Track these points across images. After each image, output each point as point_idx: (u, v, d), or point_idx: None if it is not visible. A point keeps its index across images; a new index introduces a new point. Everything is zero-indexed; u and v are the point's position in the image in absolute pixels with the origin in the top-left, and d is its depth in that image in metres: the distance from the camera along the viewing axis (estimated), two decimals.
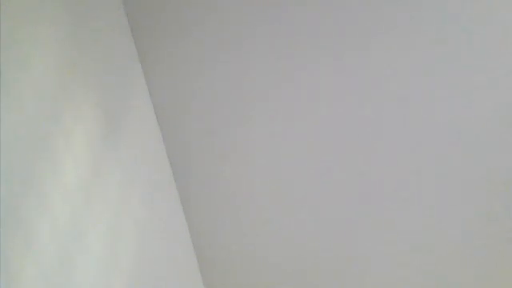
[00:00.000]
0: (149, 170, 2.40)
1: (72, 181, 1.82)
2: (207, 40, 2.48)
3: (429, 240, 2.51)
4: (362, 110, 2.44)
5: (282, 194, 2.56)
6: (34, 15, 1.84)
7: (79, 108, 1.97)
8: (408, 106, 2.41)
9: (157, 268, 2.26)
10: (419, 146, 2.44)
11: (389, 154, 2.46)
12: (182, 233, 2.59)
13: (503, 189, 2.42)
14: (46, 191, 1.67)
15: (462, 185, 2.44)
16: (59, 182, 1.75)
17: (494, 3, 2.29)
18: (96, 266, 1.83)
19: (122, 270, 1.99)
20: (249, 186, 2.57)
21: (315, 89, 2.46)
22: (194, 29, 2.48)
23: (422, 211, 2.49)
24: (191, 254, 2.63)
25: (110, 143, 2.13)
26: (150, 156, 2.44)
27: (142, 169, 2.34)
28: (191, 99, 2.54)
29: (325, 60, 2.42)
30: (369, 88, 2.42)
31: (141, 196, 2.28)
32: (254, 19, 2.44)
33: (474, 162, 2.42)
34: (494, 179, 2.42)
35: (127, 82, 2.39)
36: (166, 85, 2.54)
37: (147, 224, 2.28)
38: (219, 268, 2.67)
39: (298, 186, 2.54)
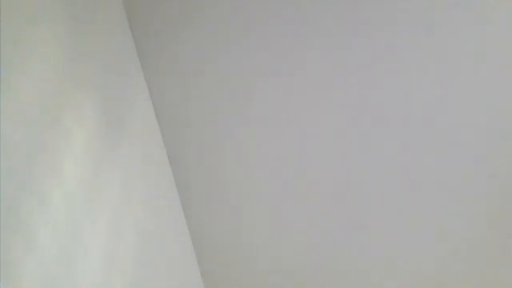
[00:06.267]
0: (149, 170, 2.40)
1: (72, 181, 1.82)
2: (207, 40, 2.48)
3: (429, 240, 2.51)
4: (363, 110, 2.44)
5: (282, 193, 2.56)
6: (34, 15, 1.84)
7: (79, 108, 1.97)
8: (408, 107, 2.41)
9: (157, 268, 2.26)
10: (420, 147, 2.44)
11: (389, 154, 2.46)
12: (182, 233, 2.59)
13: (503, 190, 2.42)
14: (45, 191, 1.67)
15: (462, 185, 2.44)
16: (59, 182, 1.75)
17: (493, 3, 2.30)
18: (96, 266, 1.83)
19: (122, 270, 1.99)
20: (249, 186, 2.57)
21: (316, 88, 2.46)
22: (194, 29, 2.48)
23: (423, 211, 2.49)
24: (191, 254, 2.63)
25: (110, 143, 2.13)
26: (150, 156, 2.44)
27: (142, 169, 2.34)
28: (191, 99, 2.54)
29: (325, 59, 2.42)
30: (369, 88, 2.42)
31: (141, 196, 2.28)
32: (255, 19, 2.44)
33: (474, 163, 2.42)
34: (494, 180, 2.42)
35: (127, 82, 2.39)
36: (166, 85, 2.54)
37: (147, 224, 2.28)
38: (219, 268, 2.67)
39: (297, 185, 2.54)
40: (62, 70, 1.93)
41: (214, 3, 2.46)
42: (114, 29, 2.38)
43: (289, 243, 2.61)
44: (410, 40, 2.36)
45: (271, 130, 2.52)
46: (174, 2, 2.48)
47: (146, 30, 2.51)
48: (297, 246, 2.61)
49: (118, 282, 1.94)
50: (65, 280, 1.65)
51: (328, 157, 2.50)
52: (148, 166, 2.40)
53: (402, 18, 2.35)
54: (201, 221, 2.64)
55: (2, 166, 1.52)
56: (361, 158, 2.49)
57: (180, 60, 2.52)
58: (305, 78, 2.45)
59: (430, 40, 2.35)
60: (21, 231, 1.53)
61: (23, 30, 1.76)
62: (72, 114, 1.92)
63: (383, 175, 2.49)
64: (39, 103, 1.75)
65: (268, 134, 2.52)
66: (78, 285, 1.71)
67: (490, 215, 2.46)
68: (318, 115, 2.48)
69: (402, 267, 2.56)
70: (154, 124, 2.55)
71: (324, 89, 2.45)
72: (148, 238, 2.25)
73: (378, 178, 2.49)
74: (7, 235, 1.47)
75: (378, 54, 2.39)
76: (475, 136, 2.40)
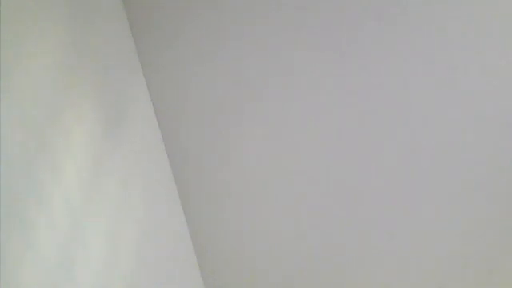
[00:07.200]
0: (149, 170, 2.40)
1: (72, 181, 1.82)
2: (207, 40, 2.48)
3: (428, 239, 2.51)
4: (363, 110, 2.44)
5: (282, 194, 2.56)
6: (34, 15, 1.83)
7: (79, 108, 1.97)
8: (408, 106, 2.41)
9: (157, 268, 2.26)
10: (419, 146, 2.44)
11: (388, 155, 2.46)
12: (182, 233, 2.59)
13: (504, 189, 2.42)
14: (45, 191, 1.67)
15: (461, 185, 2.44)
16: (59, 182, 1.75)
17: (494, 4, 2.30)
18: (96, 266, 1.83)
19: (122, 270, 1.99)
20: (249, 186, 2.57)
21: (316, 89, 2.46)
22: (194, 29, 2.48)
23: (422, 211, 2.49)
24: (191, 254, 2.63)
25: (109, 143, 2.13)
26: (149, 156, 2.44)
27: (142, 168, 2.34)
28: (191, 99, 2.54)
29: (326, 60, 2.42)
30: (368, 88, 2.42)
31: (141, 196, 2.28)
32: (255, 19, 2.44)
33: (473, 163, 2.42)
34: (495, 179, 2.42)
35: (127, 82, 2.39)
36: (166, 85, 2.54)
37: (147, 224, 2.28)
38: (219, 268, 2.67)
39: (297, 186, 2.54)
40: (62, 70, 1.93)
41: (214, 3, 2.45)
42: (114, 29, 2.38)
43: (289, 243, 2.61)
44: (410, 40, 2.36)
45: (271, 130, 2.52)
46: (173, 1, 2.47)
47: (146, 30, 2.51)
48: (297, 246, 2.60)
49: (118, 282, 1.94)
50: (65, 280, 1.65)
51: (329, 157, 2.50)
52: (148, 165, 2.40)
53: (401, 19, 2.35)
54: (201, 221, 2.64)
55: (2, 165, 1.52)
56: (362, 159, 2.49)
57: (180, 60, 2.52)
58: (305, 77, 2.45)
59: (430, 40, 2.35)
60: (21, 231, 1.53)
61: (23, 29, 1.76)
62: (72, 114, 1.92)
63: (384, 175, 2.48)
64: (39, 103, 1.75)
65: (268, 134, 2.52)
66: (78, 285, 1.71)
67: (491, 214, 2.45)
68: (318, 115, 2.48)
69: (402, 267, 2.55)
70: (154, 124, 2.55)
71: (324, 88, 2.45)
72: (148, 237, 2.25)
73: (379, 178, 2.49)
74: (7, 235, 1.47)
75: (378, 54, 2.39)
76: (475, 136, 2.40)
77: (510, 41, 2.31)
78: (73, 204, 1.80)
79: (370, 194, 2.51)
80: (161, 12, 2.49)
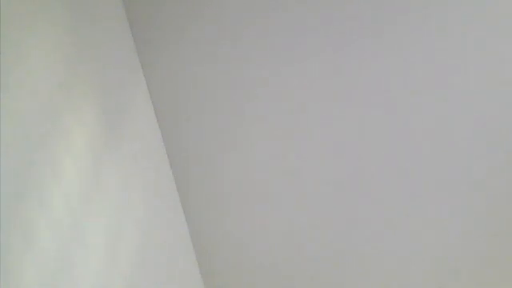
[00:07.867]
0: (149, 171, 2.40)
1: (72, 181, 1.82)
2: (207, 40, 2.48)
3: (428, 239, 2.51)
4: (363, 110, 2.44)
5: (283, 194, 2.56)
6: (34, 15, 1.83)
7: (79, 108, 1.97)
8: (407, 106, 2.41)
9: (157, 268, 2.26)
10: (419, 146, 2.44)
11: (388, 154, 2.46)
12: (182, 233, 2.59)
13: (503, 190, 2.42)
14: (46, 191, 1.67)
15: (461, 185, 2.45)
16: (59, 182, 1.75)
17: (494, 4, 2.30)
18: (96, 266, 1.83)
19: (122, 270, 1.99)
20: (249, 186, 2.57)
21: (316, 88, 2.46)
22: (194, 29, 2.48)
23: (422, 211, 2.49)
24: (191, 254, 2.63)
25: (110, 143, 2.13)
26: (150, 156, 2.44)
27: (142, 169, 2.34)
28: (191, 99, 2.54)
29: (326, 60, 2.43)
30: (369, 88, 2.42)
31: (141, 196, 2.28)
32: (255, 19, 2.44)
33: (473, 162, 2.42)
34: (494, 180, 2.42)
35: (127, 83, 2.39)
36: (166, 85, 2.54)
37: (147, 224, 2.28)
38: (219, 268, 2.67)
39: (298, 186, 2.54)
40: (62, 70, 1.93)
41: (214, 3, 2.45)
42: (114, 29, 2.38)
43: (289, 243, 2.61)
44: (410, 40, 2.36)
45: (271, 130, 2.52)
46: (173, 1, 2.48)
47: (146, 30, 2.51)
48: (297, 247, 2.61)
49: (118, 282, 1.94)
50: (65, 280, 1.65)
51: (329, 157, 2.50)
52: (148, 165, 2.40)
53: (401, 19, 2.35)
54: (201, 221, 2.64)
55: (2, 165, 1.52)
56: (362, 159, 2.49)
57: (180, 60, 2.52)
58: (305, 77, 2.45)
59: (430, 40, 2.35)
60: (21, 231, 1.53)
61: (23, 30, 1.76)
62: (72, 114, 1.92)
63: (384, 175, 2.49)
64: (39, 103, 1.74)
65: (268, 134, 2.52)
66: (78, 285, 1.71)
67: (490, 214, 2.46)
68: (318, 114, 2.48)
69: (402, 267, 2.56)
70: (154, 124, 2.55)
71: (324, 88, 2.45)
72: (148, 237, 2.25)
73: (379, 178, 2.49)
74: (7, 235, 1.47)
75: (378, 54, 2.39)
76: (475, 135, 2.40)
77: (510, 41, 2.31)
78: (73, 204, 1.80)
79: (370, 194, 2.51)
80: (161, 12, 2.49)
